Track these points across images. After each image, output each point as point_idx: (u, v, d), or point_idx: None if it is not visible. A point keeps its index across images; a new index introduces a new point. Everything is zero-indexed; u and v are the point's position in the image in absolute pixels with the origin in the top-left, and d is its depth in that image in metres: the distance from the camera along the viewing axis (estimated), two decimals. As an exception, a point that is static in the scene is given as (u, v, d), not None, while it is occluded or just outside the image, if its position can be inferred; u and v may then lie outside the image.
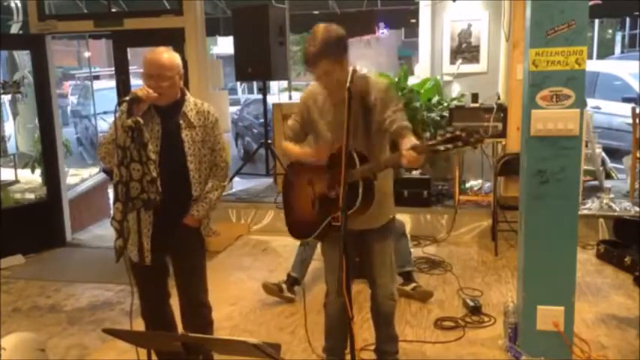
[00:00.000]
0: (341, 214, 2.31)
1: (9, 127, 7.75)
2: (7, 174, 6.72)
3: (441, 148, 2.30)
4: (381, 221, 2.80)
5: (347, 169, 2.41)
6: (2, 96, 6.85)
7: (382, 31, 8.29)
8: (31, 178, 6.76)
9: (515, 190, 5.00)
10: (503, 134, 5.41)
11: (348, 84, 2.43)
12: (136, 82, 5.06)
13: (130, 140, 2.55)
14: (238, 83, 18.27)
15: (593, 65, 10.22)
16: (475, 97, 5.83)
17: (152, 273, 2.80)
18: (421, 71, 7.26)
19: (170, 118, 2.72)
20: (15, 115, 7.69)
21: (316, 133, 2.80)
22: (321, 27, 2.57)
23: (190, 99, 2.79)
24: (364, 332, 3.45)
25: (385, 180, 2.75)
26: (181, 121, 2.73)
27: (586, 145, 5.81)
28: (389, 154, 2.75)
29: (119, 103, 2.58)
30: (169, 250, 2.84)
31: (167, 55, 2.69)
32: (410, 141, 2.54)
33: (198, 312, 2.91)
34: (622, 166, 6.89)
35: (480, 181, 6.29)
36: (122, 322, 4.09)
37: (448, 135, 2.29)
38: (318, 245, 3.48)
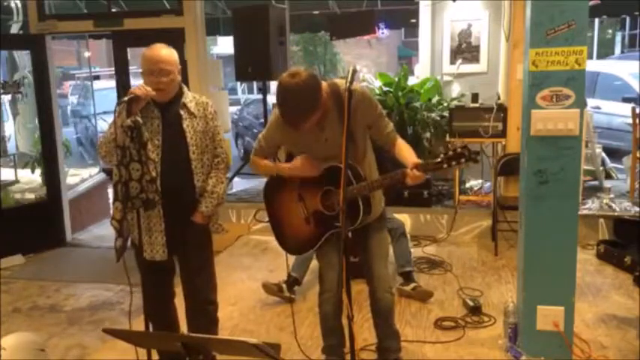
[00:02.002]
0: (341, 217, 2.31)
1: (9, 127, 7.75)
2: (7, 174, 6.72)
3: (445, 166, 2.39)
4: (376, 213, 2.81)
5: (345, 182, 2.42)
6: (2, 96, 6.85)
7: (382, 31, 8.29)
8: (31, 178, 6.76)
9: (515, 190, 5.01)
10: (503, 134, 5.41)
11: (347, 84, 2.43)
12: (136, 82, 5.06)
13: (130, 140, 2.56)
14: (238, 83, 18.30)
15: (593, 65, 10.22)
16: (475, 97, 5.83)
17: (159, 271, 2.80)
18: (421, 71, 7.26)
19: (170, 111, 2.75)
20: (15, 115, 7.68)
21: (295, 156, 2.79)
22: (290, 87, 2.39)
23: (188, 93, 2.83)
24: (364, 332, 3.45)
25: (371, 172, 2.76)
26: (182, 112, 2.76)
27: (586, 145, 5.81)
28: (374, 162, 2.78)
29: (118, 104, 2.59)
30: (177, 247, 2.84)
31: (165, 50, 2.73)
32: (405, 148, 2.61)
33: (205, 309, 2.93)
34: (622, 166, 6.89)
35: (480, 181, 6.29)
36: (122, 322, 4.08)
37: (450, 153, 2.40)
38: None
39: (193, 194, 2.80)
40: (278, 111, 2.51)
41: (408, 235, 4.39)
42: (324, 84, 2.56)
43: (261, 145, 2.80)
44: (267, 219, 2.98)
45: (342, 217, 2.30)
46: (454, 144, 2.45)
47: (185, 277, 2.92)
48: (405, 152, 2.61)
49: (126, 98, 2.57)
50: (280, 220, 2.87)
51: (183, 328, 2.99)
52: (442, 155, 2.42)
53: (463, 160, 2.38)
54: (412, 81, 7.11)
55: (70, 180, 7.29)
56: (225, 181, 2.89)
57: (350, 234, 2.59)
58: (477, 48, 6.78)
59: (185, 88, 2.84)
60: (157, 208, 2.70)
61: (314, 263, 4.14)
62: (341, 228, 2.31)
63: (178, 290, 2.99)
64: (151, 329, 2.80)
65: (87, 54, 15.91)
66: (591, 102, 8.69)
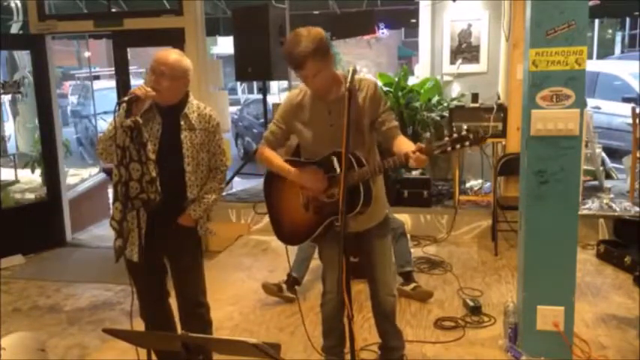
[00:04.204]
0: (340, 216, 2.30)
1: (9, 127, 7.76)
2: (7, 174, 6.73)
3: (449, 149, 2.37)
4: (379, 217, 2.80)
5: (346, 171, 2.40)
6: (2, 96, 6.86)
7: (382, 31, 8.29)
8: (31, 178, 6.77)
9: (515, 190, 5.01)
10: (503, 134, 5.41)
11: (347, 84, 2.43)
12: (136, 82, 5.07)
13: (130, 140, 2.55)
14: (238, 83, 18.29)
15: (593, 65, 10.22)
16: (475, 97, 5.83)
17: (150, 272, 2.79)
18: (421, 71, 7.26)
19: (171, 119, 2.72)
20: (15, 115, 7.70)
21: (301, 144, 2.78)
22: (302, 29, 2.51)
23: (193, 102, 2.79)
24: (364, 332, 3.45)
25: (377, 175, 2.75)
26: (182, 122, 2.72)
27: (586, 145, 5.81)
28: (377, 154, 2.77)
29: (118, 104, 2.58)
30: (166, 250, 2.83)
31: (176, 56, 2.68)
32: (404, 141, 2.61)
33: (196, 312, 2.90)
34: (622, 166, 6.90)
35: (480, 181, 6.29)
36: (122, 322, 4.09)
37: (455, 135, 2.37)
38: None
39: (182, 203, 2.77)
40: (285, 54, 2.55)
41: (408, 235, 4.39)
42: (339, 71, 2.62)
43: (271, 130, 2.78)
44: (266, 211, 2.96)
45: (341, 217, 2.29)
46: (458, 127, 2.43)
47: (174, 281, 2.91)
48: (404, 143, 2.61)
49: (126, 98, 2.56)
50: (279, 208, 2.86)
51: (180, 328, 2.99)
52: (447, 138, 2.41)
53: (467, 143, 2.37)
54: (412, 81, 7.12)
55: (70, 180, 7.30)
56: (218, 191, 2.85)
57: (352, 237, 2.58)
58: (477, 48, 6.78)
59: (191, 97, 2.79)
60: (141, 210, 2.68)
61: (314, 263, 4.15)
62: (340, 225, 2.30)
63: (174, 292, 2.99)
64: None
65: (87, 54, 15.92)
66: (591, 102, 8.69)
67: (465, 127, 2.42)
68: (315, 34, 2.49)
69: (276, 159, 2.76)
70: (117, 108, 2.57)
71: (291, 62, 2.54)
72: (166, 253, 2.86)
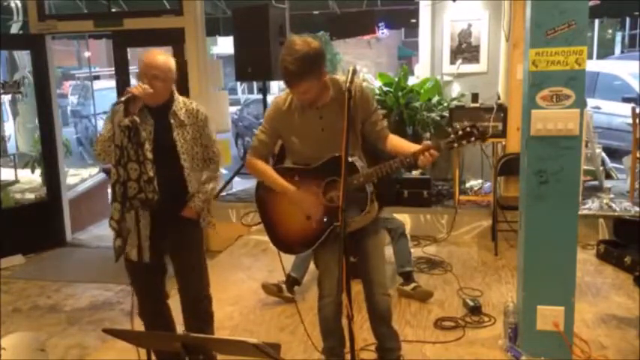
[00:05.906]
0: (340, 216, 2.30)
1: (9, 127, 7.77)
2: (7, 174, 6.74)
3: (456, 145, 2.44)
4: (372, 214, 2.80)
5: (347, 175, 2.38)
6: (2, 96, 6.86)
7: (382, 31, 8.29)
8: (31, 178, 6.77)
9: (515, 190, 5.01)
10: (503, 134, 5.42)
11: (347, 84, 2.43)
12: (136, 82, 5.07)
13: (127, 140, 2.56)
14: (238, 83, 18.31)
15: (593, 65, 10.22)
16: (475, 97, 5.83)
17: (150, 273, 2.80)
18: (421, 71, 7.26)
19: (162, 118, 2.75)
20: (15, 115, 7.71)
21: (289, 148, 2.76)
22: (298, 42, 2.45)
23: (179, 98, 2.83)
24: (364, 332, 3.44)
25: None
26: (172, 121, 2.76)
27: (586, 145, 5.82)
28: (362, 154, 2.76)
29: (116, 104, 2.59)
30: (168, 248, 2.85)
31: (162, 57, 2.73)
32: (400, 140, 2.64)
33: (200, 306, 2.94)
34: (622, 166, 6.90)
35: (480, 181, 6.29)
36: (122, 322, 4.09)
37: (460, 132, 2.43)
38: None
39: (184, 200, 2.80)
40: (280, 65, 2.50)
41: (408, 235, 4.38)
42: (352, 68, 2.58)
43: (259, 139, 2.74)
44: (258, 221, 2.92)
45: (341, 216, 2.29)
46: (462, 124, 2.49)
47: (178, 276, 2.92)
48: (403, 143, 2.64)
49: (123, 98, 2.57)
50: (276, 218, 2.82)
51: (179, 327, 2.99)
52: (452, 135, 2.46)
53: (473, 138, 2.44)
54: (412, 81, 7.12)
55: (70, 180, 7.31)
56: (215, 179, 2.90)
57: (349, 236, 2.56)
58: (477, 48, 6.78)
59: (176, 94, 2.82)
60: (146, 212, 2.69)
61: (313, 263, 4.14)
62: (340, 225, 2.29)
63: (173, 292, 3.00)
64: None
65: (87, 54, 15.94)
66: (591, 102, 8.69)
67: (467, 122, 2.47)
68: (308, 52, 2.42)
69: (272, 174, 2.72)
70: (114, 108, 2.59)
71: (282, 77, 2.52)
72: (168, 251, 2.86)
